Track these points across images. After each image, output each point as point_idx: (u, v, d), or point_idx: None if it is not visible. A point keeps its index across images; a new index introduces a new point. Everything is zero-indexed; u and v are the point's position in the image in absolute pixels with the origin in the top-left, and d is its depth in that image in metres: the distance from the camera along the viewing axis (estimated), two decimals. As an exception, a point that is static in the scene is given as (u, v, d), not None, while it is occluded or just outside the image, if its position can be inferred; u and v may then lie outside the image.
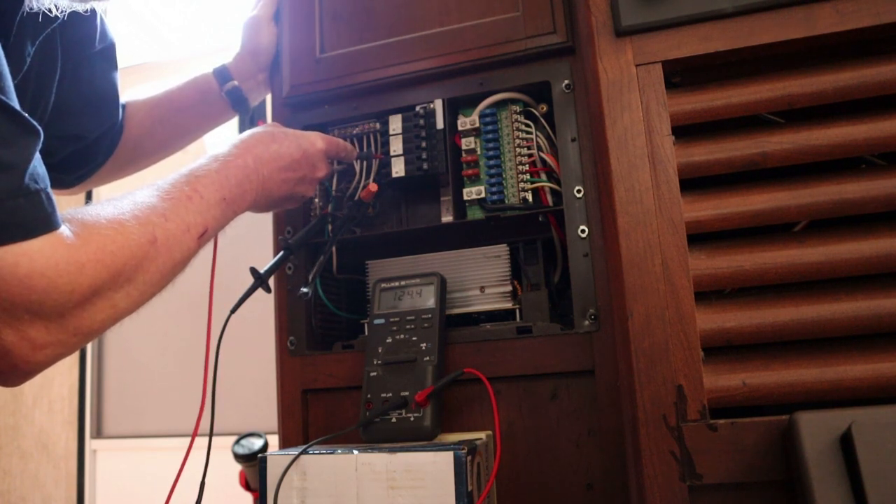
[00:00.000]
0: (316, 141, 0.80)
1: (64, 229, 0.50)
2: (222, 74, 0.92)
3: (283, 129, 0.79)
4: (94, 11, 0.77)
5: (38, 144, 0.50)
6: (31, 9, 0.60)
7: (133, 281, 0.56)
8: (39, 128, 0.50)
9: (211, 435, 0.74)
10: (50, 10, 0.61)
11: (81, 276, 0.50)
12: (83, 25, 0.78)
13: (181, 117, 0.93)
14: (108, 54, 0.83)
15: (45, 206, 0.49)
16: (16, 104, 0.49)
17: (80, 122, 0.82)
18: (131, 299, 0.57)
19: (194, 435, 0.71)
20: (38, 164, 0.50)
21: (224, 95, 0.91)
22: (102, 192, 2.87)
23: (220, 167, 0.68)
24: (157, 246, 0.57)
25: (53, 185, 0.88)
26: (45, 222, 0.49)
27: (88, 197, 2.90)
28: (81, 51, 0.78)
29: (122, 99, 0.89)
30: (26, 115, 0.49)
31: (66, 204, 0.57)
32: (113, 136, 0.88)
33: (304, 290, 0.82)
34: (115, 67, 0.85)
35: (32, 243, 0.47)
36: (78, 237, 0.51)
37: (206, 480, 0.73)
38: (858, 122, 0.58)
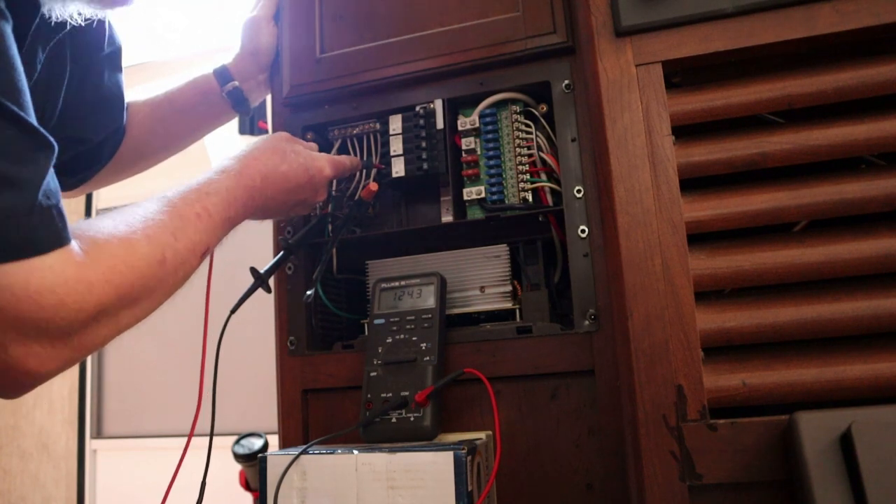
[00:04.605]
0: (324, 167, 0.79)
1: (74, 245, 0.50)
2: (223, 75, 0.92)
3: (294, 146, 0.77)
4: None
5: (52, 159, 0.50)
6: (48, 17, 0.59)
7: (139, 301, 0.56)
8: (54, 142, 0.50)
9: (211, 435, 0.74)
10: (70, 18, 0.61)
11: (90, 296, 0.50)
12: (92, 30, 0.77)
13: (182, 118, 0.93)
14: (114, 58, 0.84)
15: (57, 222, 0.49)
16: (32, 119, 0.49)
17: (86, 126, 0.82)
18: (134, 317, 0.57)
19: (190, 435, 0.71)
20: (51, 179, 0.50)
21: (225, 96, 0.91)
22: (102, 194, 2.88)
23: (232, 186, 0.68)
24: (166, 266, 0.57)
25: None
26: (56, 238, 0.48)
27: (88, 201, 2.90)
28: (90, 55, 0.78)
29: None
30: (42, 129, 0.49)
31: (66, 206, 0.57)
32: (116, 139, 0.88)
33: (309, 293, 0.82)
34: (121, 70, 0.86)
35: (44, 259, 0.47)
36: (87, 255, 0.51)
37: (206, 480, 0.73)
38: (858, 122, 0.58)
